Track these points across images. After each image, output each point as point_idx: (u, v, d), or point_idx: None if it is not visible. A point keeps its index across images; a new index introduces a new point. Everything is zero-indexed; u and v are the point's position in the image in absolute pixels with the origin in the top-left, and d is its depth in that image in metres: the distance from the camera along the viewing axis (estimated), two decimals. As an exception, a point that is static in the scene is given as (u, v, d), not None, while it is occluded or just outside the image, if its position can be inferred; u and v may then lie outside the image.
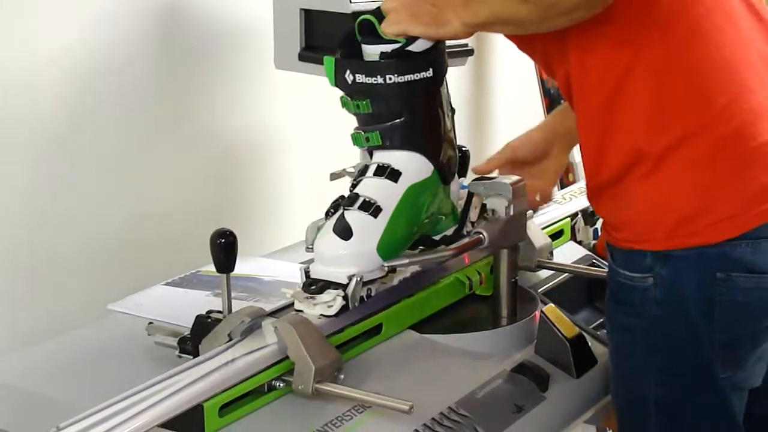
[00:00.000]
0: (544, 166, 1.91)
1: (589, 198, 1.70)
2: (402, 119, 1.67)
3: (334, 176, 1.83)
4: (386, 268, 1.66)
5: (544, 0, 1.50)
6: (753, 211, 1.53)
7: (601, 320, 1.97)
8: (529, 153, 1.90)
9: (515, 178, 1.81)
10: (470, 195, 1.78)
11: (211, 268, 1.65)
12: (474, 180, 1.80)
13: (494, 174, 1.87)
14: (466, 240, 1.75)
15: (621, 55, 1.54)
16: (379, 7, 1.66)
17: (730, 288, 1.54)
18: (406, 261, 1.67)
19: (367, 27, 1.66)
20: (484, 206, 1.80)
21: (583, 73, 1.59)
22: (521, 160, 1.90)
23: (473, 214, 1.80)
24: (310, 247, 1.68)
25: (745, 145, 1.53)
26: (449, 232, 1.77)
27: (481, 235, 1.74)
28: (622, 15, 1.51)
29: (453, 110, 1.76)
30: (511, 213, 1.78)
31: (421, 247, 1.74)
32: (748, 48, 1.57)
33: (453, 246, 1.73)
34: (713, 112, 1.53)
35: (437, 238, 1.76)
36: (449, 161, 1.75)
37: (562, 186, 3.06)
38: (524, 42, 1.69)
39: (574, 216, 2.20)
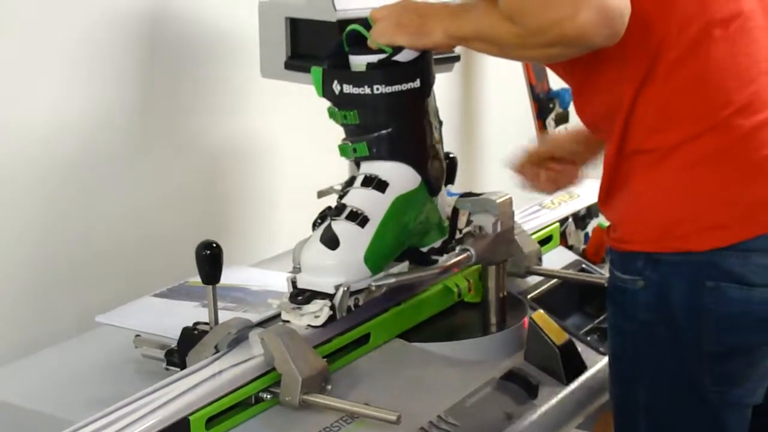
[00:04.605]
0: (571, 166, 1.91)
1: (599, 198, 1.68)
2: (389, 130, 1.68)
3: (322, 194, 1.83)
4: (373, 284, 1.66)
5: (529, 25, 1.47)
6: (745, 223, 1.51)
7: (591, 326, 2.01)
8: (569, 150, 1.89)
9: (502, 194, 1.82)
10: (456, 210, 1.79)
11: (199, 278, 1.65)
12: (461, 196, 1.81)
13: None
14: (453, 258, 1.75)
15: (637, 65, 1.53)
16: (366, 18, 1.67)
17: (720, 298, 1.52)
18: (393, 280, 1.68)
19: (355, 37, 1.67)
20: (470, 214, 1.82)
21: (600, 82, 1.59)
22: (558, 156, 1.89)
23: (461, 222, 1.80)
24: (298, 266, 1.67)
25: (748, 155, 1.51)
26: (437, 244, 1.77)
27: (468, 252, 1.75)
28: (634, 30, 1.47)
29: (440, 122, 1.77)
30: (498, 230, 1.80)
31: (407, 261, 1.74)
32: (765, 58, 1.55)
33: (440, 264, 1.74)
34: (718, 119, 1.51)
35: (425, 249, 1.76)
36: (437, 172, 1.75)
37: (551, 191, 3.10)
38: None
39: (564, 220, 2.21)
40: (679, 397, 1.59)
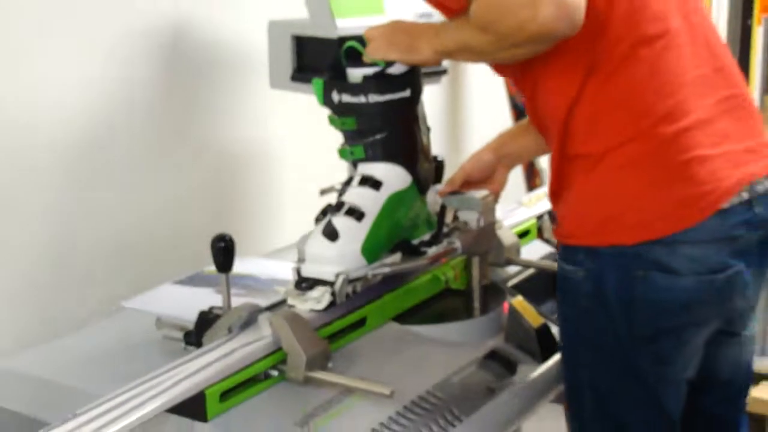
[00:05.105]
0: (488, 184, 1.98)
1: (548, 196, 1.75)
2: (383, 134, 1.74)
3: (324, 192, 1.86)
4: (370, 272, 1.71)
5: (499, 31, 1.54)
6: (669, 219, 1.57)
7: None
8: (480, 174, 1.97)
9: (485, 192, 1.90)
10: (443, 207, 1.84)
11: (214, 267, 1.70)
12: (447, 194, 1.86)
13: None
14: (442, 249, 1.82)
15: (574, 77, 1.62)
16: (361, 36, 1.74)
17: (649, 286, 1.58)
18: (388, 270, 1.74)
19: (352, 53, 1.74)
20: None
21: (544, 91, 1.68)
22: (473, 180, 1.96)
23: (448, 217, 1.86)
24: (302, 257, 1.72)
25: (669, 159, 1.58)
26: (426, 237, 1.84)
27: (455, 245, 1.82)
28: (573, 46, 1.58)
29: (429, 128, 1.83)
30: (482, 224, 1.88)
31: (399, 253, 1.80)
32: (689, 72, 1.62)
33: (429, 256, 1.81)
34: (640, 128, 1.58)
35: (416, 242, 1.82)
36: (426, 173, 1.82)
37: (530, 189, 3.10)
38: (499, 67, 1.78)
39: (540, 217, 2.27)
40: (619, 378, 1.66)
